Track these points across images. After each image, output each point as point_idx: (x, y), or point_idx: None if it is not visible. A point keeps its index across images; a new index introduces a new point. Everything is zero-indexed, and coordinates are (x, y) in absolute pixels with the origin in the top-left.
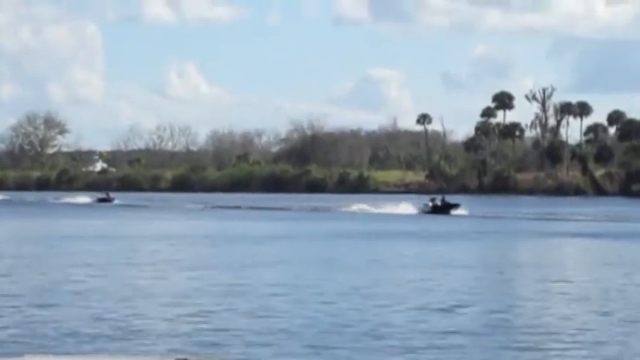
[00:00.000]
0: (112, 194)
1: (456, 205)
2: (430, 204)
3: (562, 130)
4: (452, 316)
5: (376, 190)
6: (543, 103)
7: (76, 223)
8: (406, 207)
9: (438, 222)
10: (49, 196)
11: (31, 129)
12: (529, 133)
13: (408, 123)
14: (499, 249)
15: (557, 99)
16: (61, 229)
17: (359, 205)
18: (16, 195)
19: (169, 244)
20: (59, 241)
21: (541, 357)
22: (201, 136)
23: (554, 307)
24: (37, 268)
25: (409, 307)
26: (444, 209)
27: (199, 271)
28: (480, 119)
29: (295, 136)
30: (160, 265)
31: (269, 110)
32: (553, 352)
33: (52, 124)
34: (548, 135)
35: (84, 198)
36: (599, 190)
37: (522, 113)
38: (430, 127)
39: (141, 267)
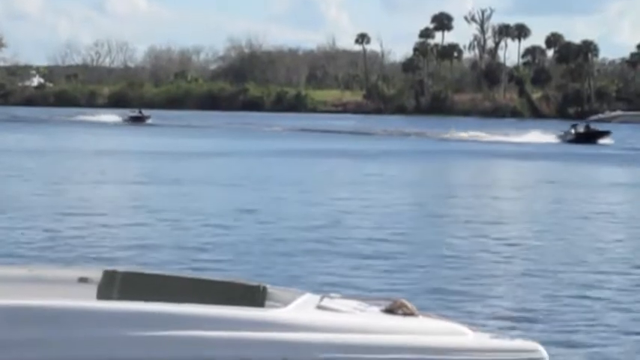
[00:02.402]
0: (145, 112)
1: (604, 133)
2: (572, 131)
3: (500, 52)
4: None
5: (313, 110)
6: (482, 25)
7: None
8: (536, 135)
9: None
10: (68, 112)
11: None
12: (467, 55)
13: (347, 43)
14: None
15: (495, 21)
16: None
17: (469, 131)
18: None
19: (102, 159)
20: None
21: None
22: (139, 53)
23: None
24: None
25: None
26: (590, 137)
27: (130, 186)
28: (418, 40)
29: (233, 54)
30: (88, 181)
31: (207, 27)
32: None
33: None
34: (486, 57)
35: (111, 116)
36: (536, 113)
37: (461, 35)
38: (368, 47)
39: (73, 182)
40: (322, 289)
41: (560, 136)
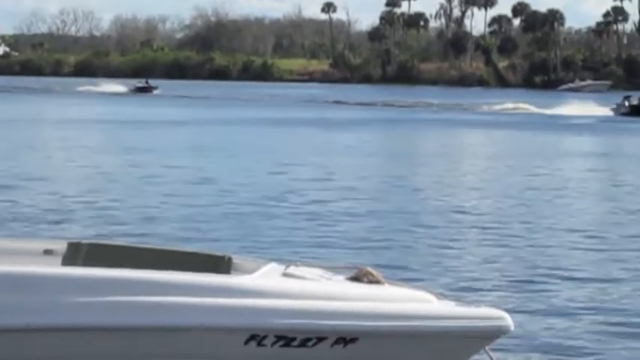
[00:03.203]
0: (152, 82)
1: None
2: (626, 104)
3: (466, 21)
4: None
5: (280, 79)
6: None
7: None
8: (580, 107)
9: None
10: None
11: None
12: (433, 24)
13: (313, 11)
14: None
15: None
16: None
17: (517, 103)
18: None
19: (68, 129)
20: None
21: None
22: (104, 22)
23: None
24: None
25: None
26: None
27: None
28: (384, 9)
29: (199, 22)
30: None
31: None
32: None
33: None
34: (452, 26)
35: (115, 86)
36: (502, 82)
37: (427, 3)
38: (335, 16)
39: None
40: (286, 258)
41: (614, 109)
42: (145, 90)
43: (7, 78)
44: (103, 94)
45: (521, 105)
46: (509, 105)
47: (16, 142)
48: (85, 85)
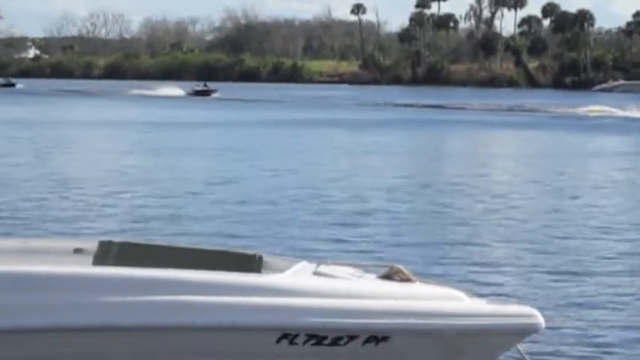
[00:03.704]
0: (211, 85)
1: None
2: None
3: (496, 22)
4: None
5: (310, 80)
6: None
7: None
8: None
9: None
10: (123, 85)
11: None
12: (463, 25)
13: (343, 13)
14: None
15: None
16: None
17: (597, 106)
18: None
19: (105, 130)
20: None
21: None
22: (134, 24)
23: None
24: None
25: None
26: None
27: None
28: (414, 10)
29: (229, 24)
30: (92, 151)
31: None
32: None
33: None
34: (482, 26)
35: (173, 89)
36: (532, 82)
37: (457, 4)
38: (364, 18)
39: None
40: (317, 257)
41: None
42: (203, 93)
43: (64, 81)
44: (159, 97)
45: (605, 108)
46: (595, 107)
47: (77, 144)
48: (138, 88)
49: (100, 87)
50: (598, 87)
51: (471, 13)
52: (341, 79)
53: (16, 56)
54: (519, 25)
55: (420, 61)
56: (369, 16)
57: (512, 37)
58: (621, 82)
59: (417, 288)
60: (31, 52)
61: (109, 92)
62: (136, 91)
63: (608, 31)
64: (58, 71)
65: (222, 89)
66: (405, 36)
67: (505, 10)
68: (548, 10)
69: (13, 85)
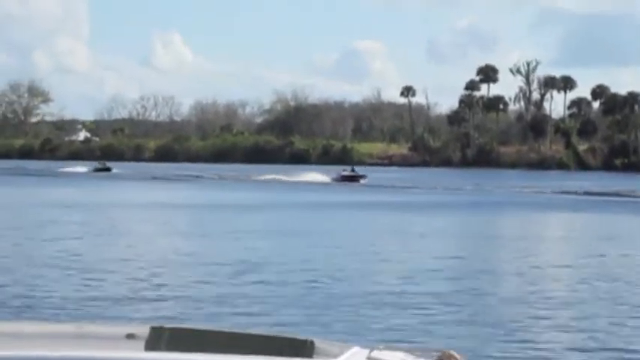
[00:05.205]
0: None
1: None
2: None
3: (546, 104)
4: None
5: (360, 162)
6: (527, 77)
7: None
8: None
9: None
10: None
11: (14, 97)
12: (513, 107)
13: (392, 95)
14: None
15: (541, 72)
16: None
17: None
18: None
19: (156, 213)
20: (46, 209)
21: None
22: (184, 107)
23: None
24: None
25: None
26: None
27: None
28: (464, 92)
29: (279, 107)
30: (146, 234)
31: (253, 81)
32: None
33: (36, 92)
34: (532, 108)
35: (316, 175)
36: (582, 165)
37: (506, 86)
38: (414, 100)
39: (118, 236)
40: (369, 342)
41: None
42: (351, 179)
43: (165, 165)
44: (298, 183)
45: None
46: None
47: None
48: (268, 172)
49: (217, 171)
50: None
51: (521, 95)
52: (390, 161)
53: (66, 139)
54: (569, 107)
55: (470, 143)
56: (418, 98)
57: (562, 119)
58: None
59: None
60: (82, 135)
61: (238, 178)
62: (267, 177)
63: None
64: (109, 154)
65: (272, 171)
66: (454, 118)
67: (555, 92)
68: (598, 93)
69: (109, 169)
